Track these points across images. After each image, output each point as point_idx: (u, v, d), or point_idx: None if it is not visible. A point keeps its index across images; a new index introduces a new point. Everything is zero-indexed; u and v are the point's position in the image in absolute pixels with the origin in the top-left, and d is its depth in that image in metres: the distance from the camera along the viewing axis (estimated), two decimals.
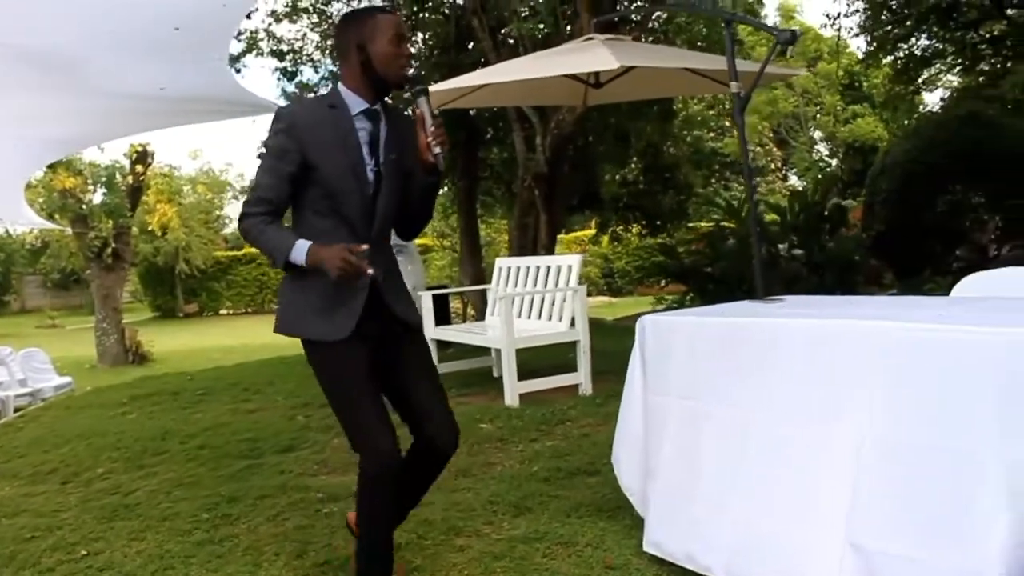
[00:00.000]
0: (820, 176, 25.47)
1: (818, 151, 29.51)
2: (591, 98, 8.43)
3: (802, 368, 2.85)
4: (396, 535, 3.31)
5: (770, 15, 28.98)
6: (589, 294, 23.20)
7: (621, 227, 16.23)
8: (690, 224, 15.25)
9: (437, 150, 2.84)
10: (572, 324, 6.67)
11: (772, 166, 29.47)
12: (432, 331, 7.51)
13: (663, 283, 14.41)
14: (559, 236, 24.91)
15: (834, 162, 27.53)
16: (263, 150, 2.92)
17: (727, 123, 27.94)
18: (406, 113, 3.10)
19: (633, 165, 14.87)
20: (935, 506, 2.47)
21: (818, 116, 27.26)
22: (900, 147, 11.17)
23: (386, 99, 2.99)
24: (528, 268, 7.32)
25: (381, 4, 10.79)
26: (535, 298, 7.07)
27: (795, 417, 2.86)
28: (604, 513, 3.86)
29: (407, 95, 2.89)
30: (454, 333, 7.55)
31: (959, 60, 14.45)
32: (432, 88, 7.87)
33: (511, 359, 6.41)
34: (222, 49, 6.10)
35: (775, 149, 29.02)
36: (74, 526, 4.34)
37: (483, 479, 4.62)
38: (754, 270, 5.27)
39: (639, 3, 11.40)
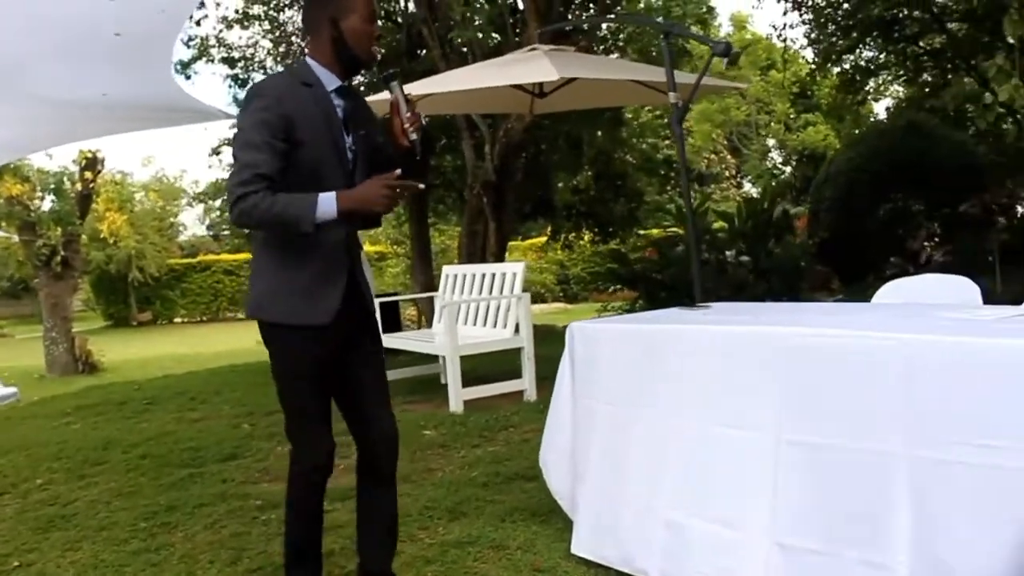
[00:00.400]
0: (774, 183, 25.84)
1: (772, 159, 29.92)
2: (537, 107, 8.51)
3: (720, 373, 2.93)
4: (330, 541, 3.34)
5: (724, 25, 29.39)
6: (544, 300, 23.41)
7: (573, 234, 16.34)
8: (641, 231, 15.39)
9: (413, 136, 2.81)
10: (516, 331, 6.73)
11: (727, 173, 29.80)
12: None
13: (615, 290, 14.55)
14: (515, 243, 25.11)
15: (788, 169, 27.93)
16: (242, 129, 2.73)
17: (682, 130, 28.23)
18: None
19: (586, 173, 14.97)
20: (848, 504, 2.58)
21: (771, 124, 27.63)
22: (844, 156, 11.40)
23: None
24: (474, 276, 7.38)
25: None
26: (480, 305, 7.13)
27: (715, 421, 2.94)
28: (538, 517, 3.92)
29: (377, 79, 2.90)
30: (401, 340, 7.58)
31: (901, 72, 14.77)
32: (380, 97, 7.91)
33: (455, 366, 6.46)
34: (165, 56, 6.06)
35: (729, 157, 29.35)
36: (7, 537, 4.31)
37: (422, 485, 4.66)
38: (693, 277, 5.39)
39: (587, 14, 11.50)
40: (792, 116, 27.51)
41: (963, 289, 3.63)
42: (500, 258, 10.91)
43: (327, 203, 2.61)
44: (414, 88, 7.47)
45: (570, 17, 11.82)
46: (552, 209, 15.35)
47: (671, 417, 3.07)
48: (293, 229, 2.63)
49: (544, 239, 20.57)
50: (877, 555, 2.48)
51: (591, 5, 12.17)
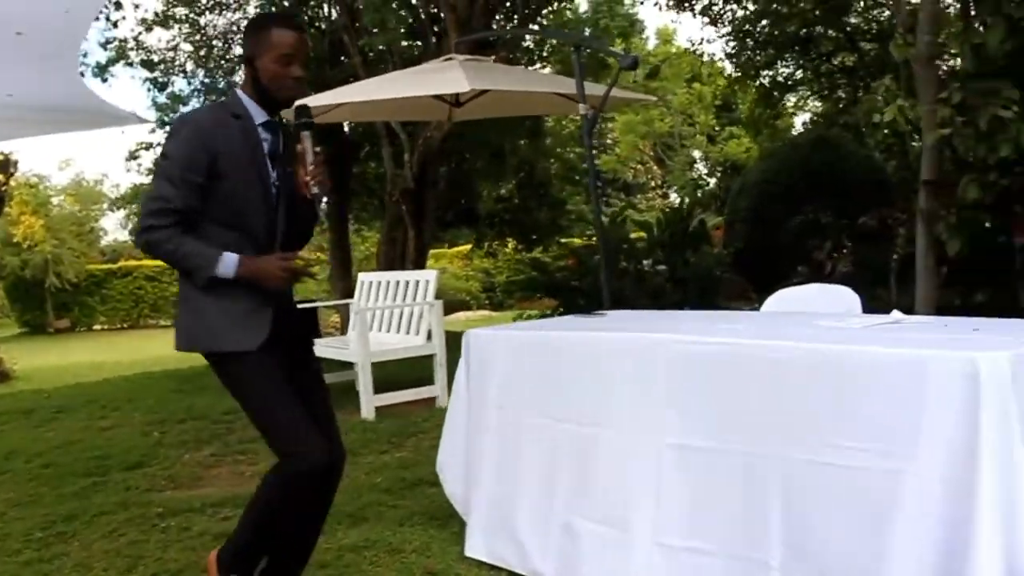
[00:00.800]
0: (699, 194, 26.28)
1: (697, 169, 30.47)
2: (455, 115, 8.58)
3: (607, 379, 3.02)
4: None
5: (651, 38, 29.86)
6: (470, 308, 23.43)
7: (497, 242, 16.45)
8: (564, 239, 15.57)
9: (315, 190, 2.76)
10: (429, 338, 6.77)
11: (652, 184, 30.26)
12: None
13: (541, 297, 14.69)
14: (441, 251, 25.12)
15: (712, 181, 28.47)
16: (164, 158, 2.77)
17: (609, 140, 28.62)
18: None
19: (510, 182, 15.11)
20: (725, 504, 2.68)
21: (696, 136, 28.15)
22: (757, 168, 11.71)
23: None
24: (388, 283, 7.41)
25: (284, 13, 10.71)
26: (394, 312, 7.15)
27: (603, 425, 3.02)
28: (436, 521, 3.96)
29: (293, 125, 2.83)
30: (315, 348, 7.54)
31: (816, 88, 15.21)
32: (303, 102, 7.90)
33: (367, 373, 6.48)
34: (72, 57, 5.99)
35: (655, 167, 29.81)
36: None
37: None
38: (603, 284, 5.50)
39: (510, 25, 11.63)
40: (717, 128, 28.07)
41: (844, 298, 3.79)
42: (420, 265, 10.93)
43: (227, 266, 2.66)
44: (331, 97, 7.49)
45: (494, 27, 11.95)
46: (476, 217, 15.43)
47: (561, 422, 3.16)
48: (189, 276, 2.71)
49: (469, 247, 20.64)
50: (752, 552, 2.59)
51: (513, 16, 12.31)
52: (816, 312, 3.45)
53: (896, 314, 3.15)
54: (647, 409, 2.86)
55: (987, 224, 5.59)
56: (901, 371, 2.31)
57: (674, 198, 29.81)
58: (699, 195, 26.44)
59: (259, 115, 2.79)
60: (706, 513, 2.70)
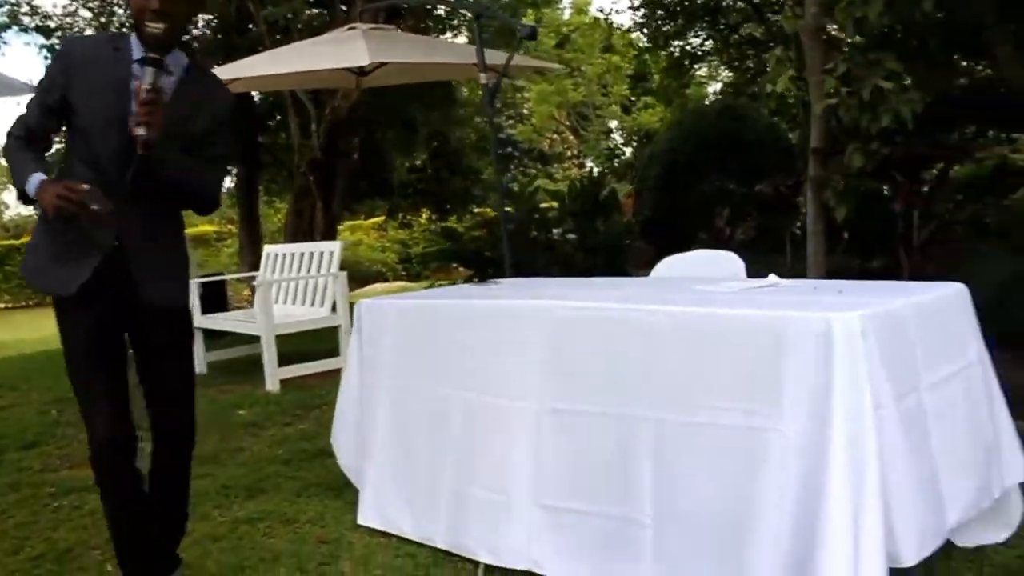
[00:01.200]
0: (616, 163, 26.49)
1: (613, 139, 30.68)
2: (362, 83, 8.49)
3: (490, 346, 3.06)
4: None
5: (566, 7, 29.85)
6: (387, 279, 23.31)
7: (411, 213, 16.38)
8: (477, 209, 15.58)
9: (140, 131, 2.51)
10: (334, 309, 6.75)
11: (568, 153, 30.36)
12: (198, 319, 7.39)
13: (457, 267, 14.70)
14: (358, 222, 24.87)
15: (629, 150, 28.71)
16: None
17: (525, 111, 28.59)
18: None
19: (422, 152, 15.03)
20: (600, 465, 2.75)
21: (611, 105, 28.29)
22: (665, 137, 11.87)
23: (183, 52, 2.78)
24: (293, 255, 7.34)
25: None
26: (299, 284, 7.10)
27: (487, 392, 3.07)
28: (332, 491, 3.98)
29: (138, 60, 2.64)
30: (220, 321, 7.46)
31: (724, 59, 15.44)
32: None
33: (271, 345, 6.43)
34: None
35: (571, 137, 29.90)
36: None
37: (227, 465, 4.65)
38: (503, 253, 5.53)
39: None
40: (632, 98, 28.27)
41: (730, 264, 3.90)
42: (329, 237, 10.81)
43: (32, 185, 2.58)
44: (230, 71, 7.35)
45: None
46: (389, 188, 15.33)
47: (447, 389, 3.19)
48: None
49: (383, 218, 20.51)
50: (627, 511, 2.67)
51: None
52: (700, 277, 3.54)
53: (772, 278, 3.25)
54: (528, 375, 2.91)
55: (885, 190, 5.79)
56: (761, 332, 2.39)
57: (591, 167, 30.00)
58: (615, 164, 26.69)
59: (137, 51, 2.67)
60: (584, 475, 2.77)
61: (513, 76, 11.60)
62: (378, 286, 20.60)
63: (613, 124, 30.26)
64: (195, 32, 13.16)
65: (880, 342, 2.33)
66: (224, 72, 7.32)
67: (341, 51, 6.58)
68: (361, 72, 7.92)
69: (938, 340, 2.71)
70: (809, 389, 2.29)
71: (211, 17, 13.02)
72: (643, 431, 2.62)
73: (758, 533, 2.33)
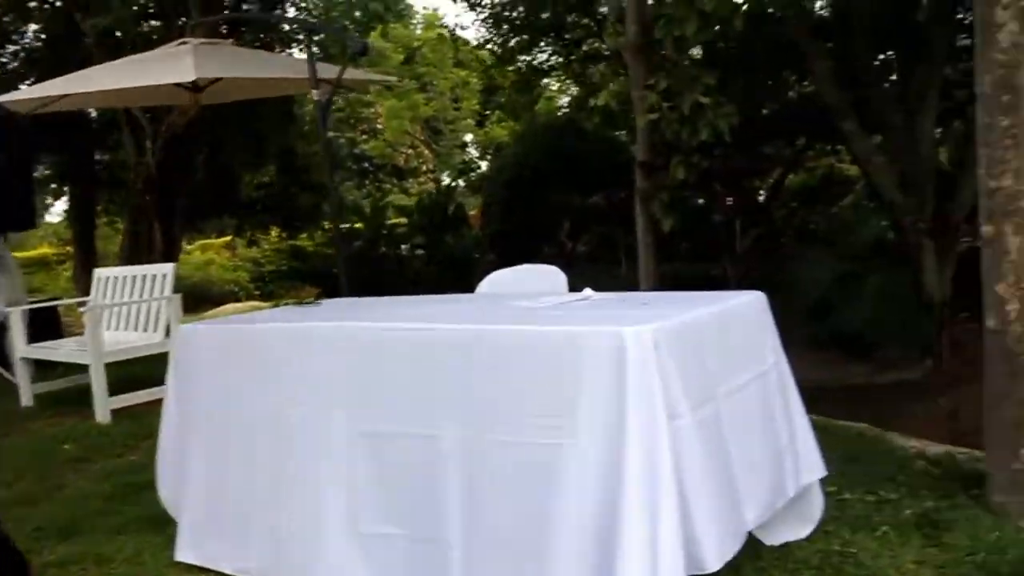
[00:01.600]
0: (472, 177, 26.63)
1: (469, 153, 30.85)
2: (200, 99, 8.26)
3: (297, 370, 3.01)
4: None
5: (418, 23, 29.87)
6: (238, 299, 22.71)
7: (260, 230, 16.02)
8: (328, 225, 15.36)
9: None
10: (168, 334, 6.52)
11: (424, 168, 30.36)
12: (22, 350, 7.00)
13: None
14: (209, 241, 24.18)
15: (484, 164, 28.91)
16: None
17: (379, 125, 28.44)
18: None
19: (270, 167, 14.73)
20: (411, 488, 2.73)
21: (466, 120, 28.47)
22: (511, 151, 12.03)
23: None
24: (126, 278, 7.05)
25: None
26: (131, 309, 6.83)
27: (295, 418, 3.01)
28: (154, 527, 3.81)
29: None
30: (46, 350, 7.09)
31: (568, 74, 15.78)
32: (18, 96, 7.35)
33: (100, 374, 6.15)
34: None
35: (426, 151, 29.93)
36: None
37: (42, 505, 4.41)
38: (339, 272, 5.46)
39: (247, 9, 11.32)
40: (486, 112, 28.51)
41: (552, 278, 3.96)
42: (170, 258, 10.44)
43: None
44: (59, 84, 7.02)
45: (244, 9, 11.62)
46: (236, 205, 14.95)
47: (258, 417, 3.12)
48: None
49: (230, 237, 20.01)
50: (436, 532, 2.65)
51: None
52: (520, 293, 3.58)
53: (587, 292, 3.32)
54: (337, 399, 2.88)
55: (700, 201, 6.01)
56: (558, 347, 2.44)
57: (447, 182, 30.04)
58: (472, 177, 26.85)
59: None
60: (395, 498, 2.75)
61: (360, 91, 11.52)
62: (229, 306, 20.03)
63: (468, 138, 30.46)
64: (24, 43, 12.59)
65: (674, 353, 2.40)
66: (51, 88, 7.00)
67: (167, 66, 6.39)
68: (196, 88, 7.70)
69: (736, 348, 2.83)
70: (604, 403, 2.33)
71: (38, 28, 12.46)
72: (450, 451, 2.62)
73: (559, 549, 2.36)
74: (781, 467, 2.89)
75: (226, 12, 10.15)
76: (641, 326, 2.36)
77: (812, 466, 3.04)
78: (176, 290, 6.76)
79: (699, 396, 2.51)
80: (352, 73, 6.81)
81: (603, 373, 2.34)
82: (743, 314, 2.95)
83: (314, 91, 5.95)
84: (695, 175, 5.27)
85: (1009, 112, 3.05)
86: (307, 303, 3.82)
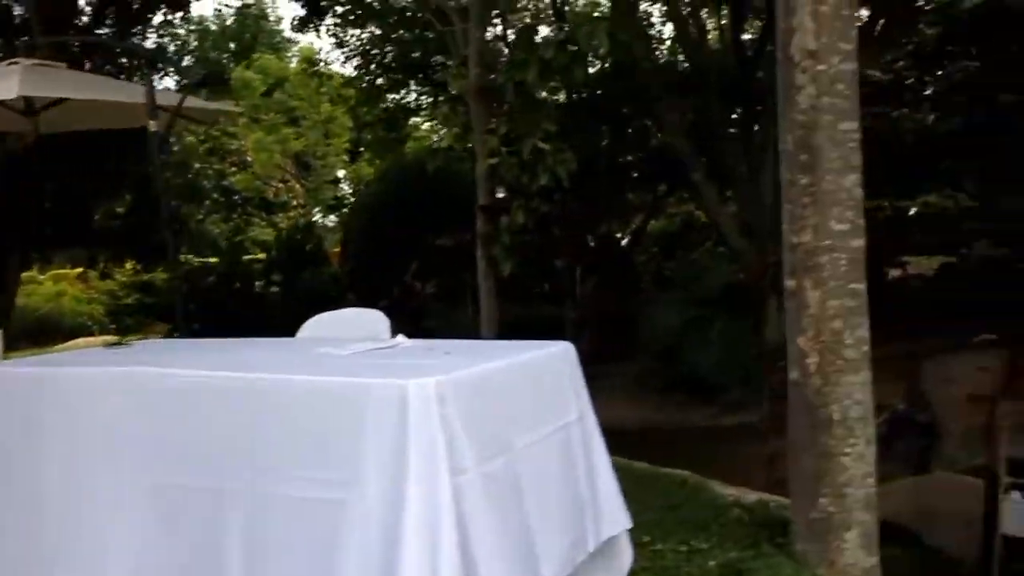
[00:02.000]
0: (345, 211, 26.24)
1: (342, 188, 30.47)
2: (38, 124, 7.85)
3: (85, 419, 2.83)
4: None
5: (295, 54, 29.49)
6: (92, 333, 21.72)
7: (113, 263, 15.38)
8: (184, 259, 14.87)
9: None
10: None
11: (295, 202, 29.83)
12: None
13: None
14: (63, 271, 23.05)
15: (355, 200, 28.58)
16: None
17: (249, 157, 27.84)
18: None
19: (124, 197, 14.19)
20: (195, 544, 2.59)
21: (337, 155, 28.15)
22: (371, 190, 11.94)
23: None
24: None
25: None
26: None
27: (81, 472, 2.81)
28: None
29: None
30: None
31: (434, 114, 15.85)
32: None
33: None
34: None
35: (298, 185, 29.43)
36: None
37: None
38: (176, 308, 5.21)
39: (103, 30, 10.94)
40: (360, 148, 28.26)
41: (373, 323, 3.87)
42: (5, 290, 9.89)
43: None
44: None
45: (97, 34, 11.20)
46: (88, 235, 14.31)
47: (42, 471, 2.90)
48: None
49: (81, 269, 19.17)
50: None
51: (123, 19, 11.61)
52: (333, 339, 3.47)
53: (400, 338, 3.25)
54: (124, 450, 2.71)
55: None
56: (341, 399, 2.36)
57: (317, 217, 29.58)
58: (343, 213, 26.47)
59: None
60: (178, 559, 2.60)
61: (207, 122, 11.22)
62: (81, 341, 19.10)
63: (341, 173, 30.11)
64: None
65: (462, 406, 2.35)
66: None
67: None
68: (31, 111, 7.32)
69: (539, 400, 2.80)
70: (387, 457, 2.26)
71: None
72: (234, 505, 2.49)
73: None
74: (582, 521, 2.87)
75: (72, 34, 9.74)
76: (425, 378, 2.30)
77: (615, 519, 3.03)
78: (14, 323, 6.37)
79: (490, 449, 2.46)
80: (192, 102, 6.61)
81: (385, 426, 2.27)
82: (549, 365, 2.93)
83: (151, 123, 5.76)
84: (534, 219, 5.31)
85: (807, 171, 3.15)
86: (115, 344, 3.62)
